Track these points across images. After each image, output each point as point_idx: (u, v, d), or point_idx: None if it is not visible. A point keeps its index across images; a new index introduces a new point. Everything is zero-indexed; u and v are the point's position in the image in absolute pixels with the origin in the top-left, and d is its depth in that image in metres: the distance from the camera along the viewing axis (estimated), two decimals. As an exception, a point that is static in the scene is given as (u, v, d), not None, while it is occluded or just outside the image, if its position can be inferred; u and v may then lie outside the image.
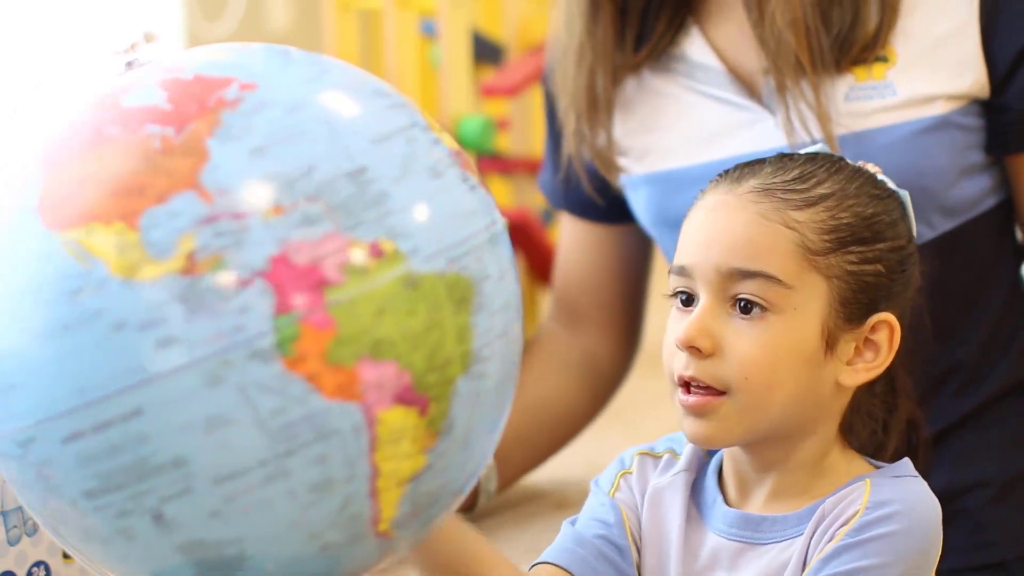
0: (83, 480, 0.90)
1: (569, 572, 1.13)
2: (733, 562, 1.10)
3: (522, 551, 1.30)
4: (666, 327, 1.12)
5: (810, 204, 1.09)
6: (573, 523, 1.16)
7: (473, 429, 0.96)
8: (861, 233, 1.09)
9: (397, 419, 0.91)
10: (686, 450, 1.16)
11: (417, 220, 0.93)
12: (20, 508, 1.21)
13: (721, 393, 1.07)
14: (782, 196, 1.08)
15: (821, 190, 1.10)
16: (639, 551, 1.14)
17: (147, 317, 0.88)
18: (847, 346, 1.09)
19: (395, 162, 0.94)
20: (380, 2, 2.66)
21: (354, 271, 0.90)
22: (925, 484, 1.09)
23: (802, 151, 1.16)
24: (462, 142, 2.70)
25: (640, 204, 1.46)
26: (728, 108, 1.38)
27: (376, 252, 0.90)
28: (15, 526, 1.21)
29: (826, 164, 1.12)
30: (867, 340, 1.10)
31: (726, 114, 1.39)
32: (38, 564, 1.23)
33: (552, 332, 1.62)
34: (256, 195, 0.89)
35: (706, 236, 1.09)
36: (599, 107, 1.43)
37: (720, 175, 1.13)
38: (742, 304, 1.07)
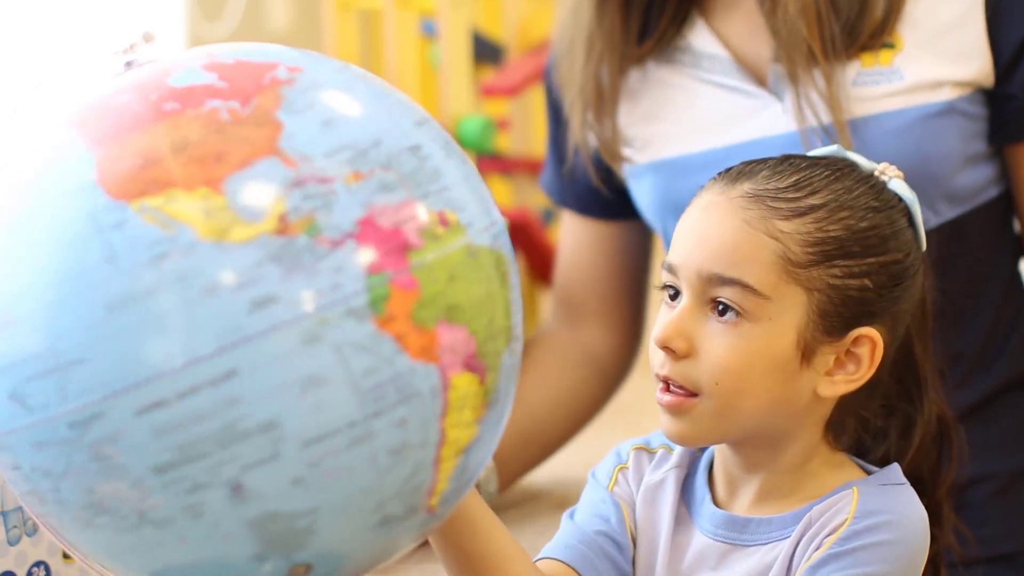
0: (155, 454, 0.88)
1: (573, 569, 1.13)
2: (719, 563, 1.10)
3: (522, 551, 1.30)
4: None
5: (799, 214, 1.08)
6: (572, 515, 1.17)
7: (507, 406, 0.99)
8: (850, 247, 1.08)
9: (464, 385, 0.94)
10: (679, 446, 1.16)
11: (466, 196, 0.97)
12: (20, 508, 1.21)
13: (694, 394, 1.07)
14: (771, 204, 1.08)
15: (813, 200, 1.09)
16: (635, 546, 1.15)
17: (242, 278, 0.88)
18: (826, 358, 1.09)
19: (438, 144, 0.98)
20: (380, 2, 2.66)
21: (430, 236, 0.93)
22: (913, 492, 1.09)
23: (812, 152, 1.15)
24: (462, 142, 2.70)
25: (644, 193, 1.46)
26: (735, 95, 1.39)
27: (443, 221, 0.94)
28: (15, 526, 1.21)
29: (828, 171, 1.11)
30: (848, 352, 1.09)
31: (733, 101, 1.39)
32: (38, 564, 1.23)
33: (553, 330, 1.62)
34: (337, 161, 0.91)
35: (693, 237, 1.09)
36: (604, 97, 1.44)
37: (720, 173, 1.12)
38: (720, 307, 1.07)
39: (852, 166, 1.13)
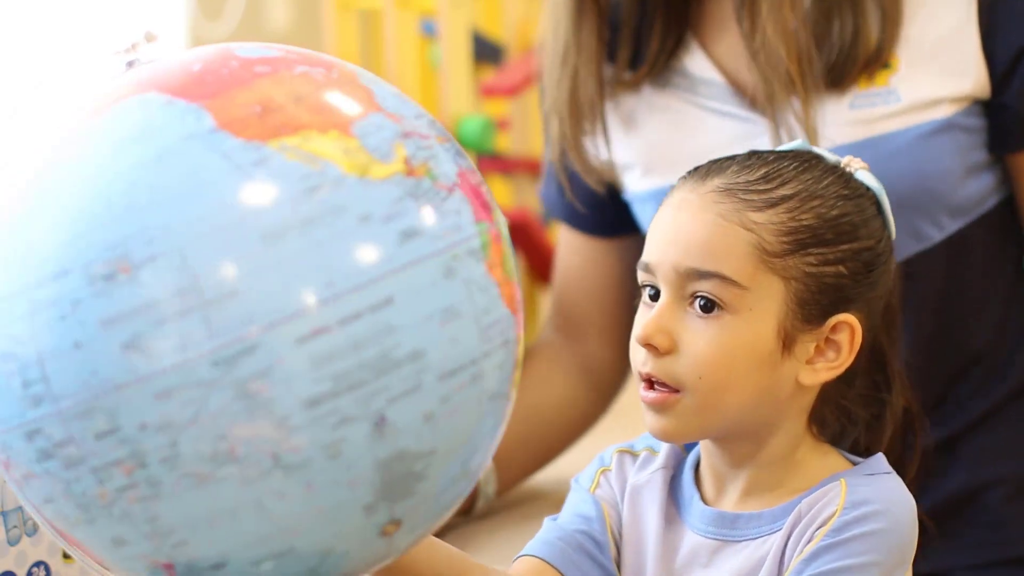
0: (312, 384, 0.88)
1: (550, 564, 1.13)
2: (710, 559, 1.10)
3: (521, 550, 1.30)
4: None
5: (770, 205, 1.09)
6: (555, 519, 1.17)
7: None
8: (823, 235, 1.09)
9: (521, 346, 0.98)
10: (664, 447, 1.16)
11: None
12: (20, 508, 1.21)
13: (677, 390, 1.08)
14: (742, 196, 1.09)
15: (783, 191, 1.10)
16: (618, 547, 1.15)
17: (389, 211, 0.90)
18: (806, 346, 1.09)
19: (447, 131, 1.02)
20: (380, 2, 2.66)
21: (494, 202, 0.99)
22: (900, 480, 1.09)
23: (778, 148, 1.16)
24: (462, 142, 2.70)
25: (647, 219, 1.46)
26: (734, 122, 1.38)
27: (490, 194, 0.99)
28: (15, 526, 1.22)
29: (796, 162, 1.12)
30: (828, 340, 1.10)
31: (732, 128, 1.38)
32: (38, 564, 1.24)
33: (551, 340, 1.62)
34: (423, 123, 0.96)
35: (668, 235, 1.10)
36: (583, 114, 1.43)
37: (689, 172, 1.13)
38: (701, 302, 1.07)
39: (818, 158, 1.14)
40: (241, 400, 0.88)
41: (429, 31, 2.76)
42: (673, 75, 1.42)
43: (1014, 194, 1.39)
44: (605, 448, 1.21)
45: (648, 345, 1.08)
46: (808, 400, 1.12)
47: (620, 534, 1.15)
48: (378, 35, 2.96)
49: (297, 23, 3.58)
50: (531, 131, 2.98)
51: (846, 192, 1.12)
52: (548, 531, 1.16)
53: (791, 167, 1.11)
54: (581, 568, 1.14)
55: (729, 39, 1.40)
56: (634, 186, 1.45)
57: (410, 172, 0.93)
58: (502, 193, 2.79)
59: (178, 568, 0.93)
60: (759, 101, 1.36)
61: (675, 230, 1.10)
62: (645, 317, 1.10)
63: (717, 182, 1.10)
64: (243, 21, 3.43)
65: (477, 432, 0.95)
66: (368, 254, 0.89)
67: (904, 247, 1.33)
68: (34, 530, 1.23)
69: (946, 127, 1.34)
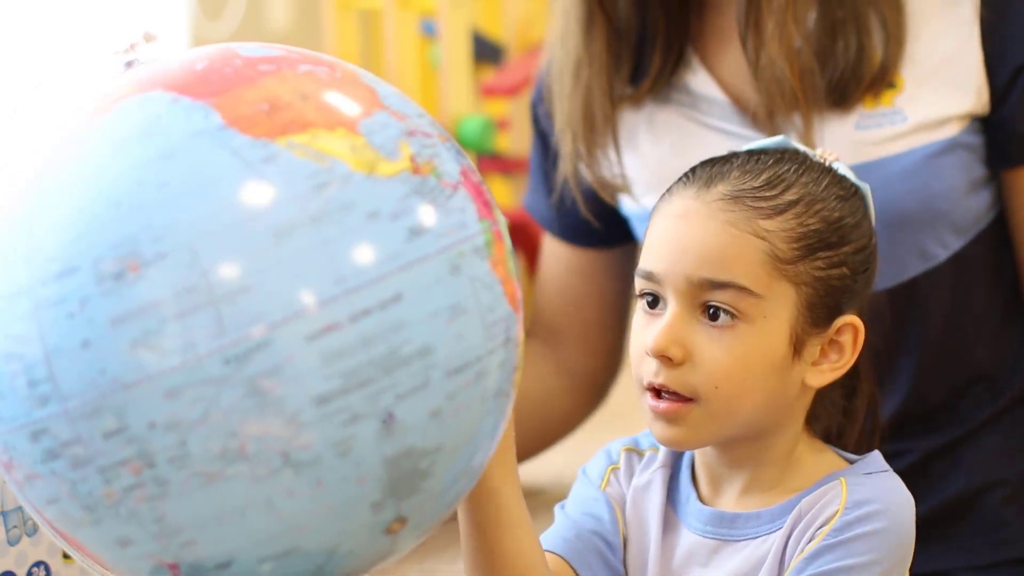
0: (322, 381, 0.88)
1: (568, 563, 1.13)
2: (709, 559, 1.11)
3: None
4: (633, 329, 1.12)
5: (779, 212, 1.09)
6: (563, 507, 1.17)
7: None
8: (828, 238, 1.10)
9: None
10: (663, 447, 1.16)
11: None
12: (20, 508, 1.21)
13: (690, 399, 1.07)
14: (751, 204, 1.08)
15: (789, 196, 1.10)
16: (626, 547, 1.15)
17: (396, 208, 0.91)
18: (813, 349, 1.10)
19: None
20: (380, 2, 2.66)
21: (494, 200, 0.99)
22: (899, 479, 1.09)
23: (760, 144, 1.15)
24: (462, 142, 2.70)
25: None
26: (734, 140, 1.37)
27: (490, 193, 1.00)
28: (15, 526, 1.22)
29: (794, 165, 1.12)
30: (832, 341, 1.10)
31: (732, 147, 1.38)
32: (38, 564, 1.24)
33: (530, 348, 1.60)
34: (426, 122, 0.97)
35: (676, 245, 1.09)
36: (596, 128, 1.42)
37: (686, 177, 1.12)
38: (711, 311, 1.07)
39: (806, 156, 1.14)
40: (252, 397, 0.87)
41: (429, 31, 2.76)
42: (674, 91, 1.41)
43: (1004, 209, 1.39)
44: (599, 443, 1.21)
45: (662, 356, 1.08)
46: (809, 399, 1.12)
47: (627, 534, 1.16)
48: (378, 35, 2.96)
49: (297, 23, 3.58)
50: (531, 131, 2.97)
51: (842, 193, 1.12)
52: (564, 527, 1.16)
53: (791, 170, 1.11)
54: (592, 568, 1.14)
55: (731, 56, 1.39)
56: (636, 203, 1.44)
57: (416, 170, 0.93)
58: (502, 193, 2.79)
59: (183, 568, 0.92)
60: (760, 119, 1.35)
61: (684, 240, 1.09)
62: (653, 327, 1.09)
63: (722, 189, 1.09)
64: (244, 21, 3.43)
65: (480, 430, 0.95)
66: (377, 251, 0.89)
67: (911, 267, 1.33)
68: (34, 530, 1.23)
69: (951, 146, 1.34)
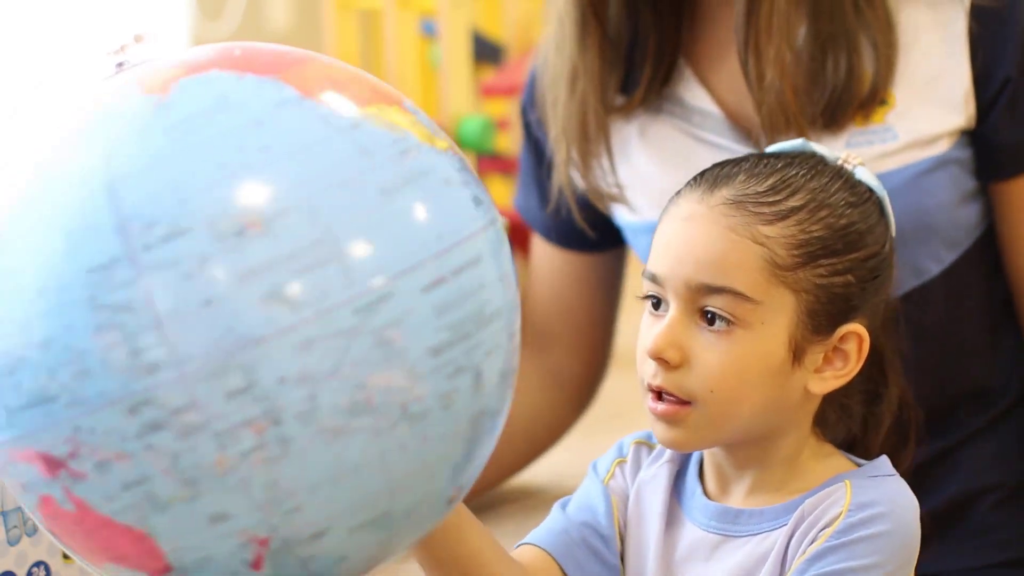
0: (434, 333, 0.89)
1: (550, 554, 1.14)
2: (711, 554, 1.11)
3: (521, 549, 1.31)
4: (640, 330, 1.12)
5: (781, 218, 1.08)
6: (564, 505, 1.17)
7: None
8: (833, 245, 1.09)
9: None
10: None
11: None
12: (20, 508, 1.22)
13: (688, 402, 1.08)
14: (753, 210, 1.08)
15: (793, 202, 1.09)
16: (623, 540, 1.15)
17: (459, 178, 0.94)
18: (815, 356, 1.09)
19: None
20: (380, 2, 2.67)
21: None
22: (904, 482, 1.09)
23: (778, 147, 1.15)
24: (462, 142, 2.70)
25: (644, 250, 1.44)
26: (726, 155, 1.36)
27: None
28: (15, 526, 1.22)
29: (804, 169, 1.11)
30: (836, 349, 1.10)
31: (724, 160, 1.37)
32: (38, 564, 1.24)
33: (520, 359, 1.59)
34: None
35: (677, 248, 1.09)
36: (590, 137, 1.41)
37: (695, 179, 1.12)
38: (709, 316, 1.07)
39: (822, 160, 1.13)
40: (379, 348, 0.88)
41: (429, 31, 2.76)
42: (666, 102, 1.40)
43: (995, 221, 1.39)
44: (602, 447, 1.21)
45: (659, 359, 1.08)
46: (814, 405, 1.12)
47: (626, 527, 1.16)
48: (378, 35, 2.96)
49: (297, 23, 3.59)
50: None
51: (853, 199, 1.11)
52: (554, 521, 1.16)
53: (799, 175, 1.11)
54: (579, 561, 1.14)
55: (726, 69, 1.38)
56: (629, 215, 1.44)
57: (454, 150, 0.97)
58: (502, 193, 2.79)
59: (274, 542, 0.90)
60: (754, 133, 1.35)
61: (685, 244, 1.09)
62: (653, 329, 1.09)
63: (726, 193, 1.09)
64: (243, 21, 3.44)
65: (509, 404, 0.99)
66: (460, 214, 0.93)
67: (904, 283, 1.33)
68: (34, 530, 1.23)
69: (942, 163, 1.33)
